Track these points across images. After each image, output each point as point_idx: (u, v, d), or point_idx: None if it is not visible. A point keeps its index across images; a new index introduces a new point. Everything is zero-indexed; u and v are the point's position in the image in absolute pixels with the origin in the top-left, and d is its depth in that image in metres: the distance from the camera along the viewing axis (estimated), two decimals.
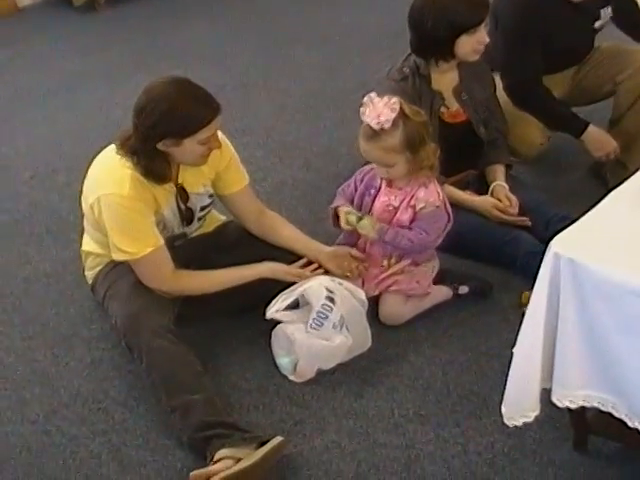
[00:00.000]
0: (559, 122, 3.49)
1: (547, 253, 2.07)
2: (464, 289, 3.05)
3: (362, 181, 2.94)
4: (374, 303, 2.94)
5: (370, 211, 2.91)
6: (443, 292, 3.04)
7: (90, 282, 3.00)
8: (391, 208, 2.89)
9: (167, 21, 5.77)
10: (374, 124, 2.70)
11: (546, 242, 2.86)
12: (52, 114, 4.65)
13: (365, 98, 2.74)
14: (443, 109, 3.15)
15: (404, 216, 2.87)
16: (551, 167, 3.77)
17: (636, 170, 2.39)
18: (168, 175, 2.76)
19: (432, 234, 2.87)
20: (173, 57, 5.16)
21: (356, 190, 2.96)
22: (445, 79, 3.16)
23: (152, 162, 2.69)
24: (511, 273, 3.05)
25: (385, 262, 2.95)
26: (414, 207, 2.86)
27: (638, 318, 1.97)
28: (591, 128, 3.40)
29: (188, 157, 2.73)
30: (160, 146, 2.66)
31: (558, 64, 3.49)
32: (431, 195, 2.85)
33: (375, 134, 2.73)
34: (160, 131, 2.63)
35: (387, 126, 2.70)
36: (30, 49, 5.51)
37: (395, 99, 2.72)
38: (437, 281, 3.04)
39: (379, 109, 2.69)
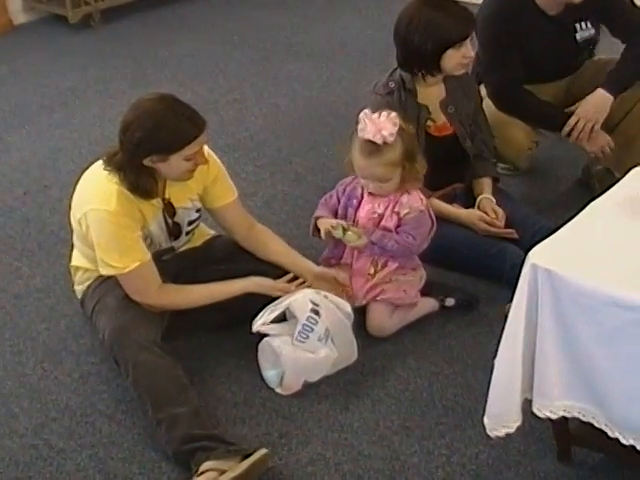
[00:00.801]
0: (546, 119, 3.51)
1: (525, 264, 2.09)
2: (450, 301, 3.06)
3: (344, 192, 2.97)
4: (361, 314, 2.96)
5: (355, 221, 2.93)
6: (430, 304, 3.06)
7: (79, 297, 3.02)
8: (375, 215, 2.91)
9: (161, 37, 5.82)
10: (377, 139, 2.72)
11: None
12: (46, 130, 4.67)
13: (361, 114, 2.76)
14: (429, 123, 3.18)
15: (389, 223, 2.89)
16: (539, 179, 3.80)
17: (617, 180, 2.42)
18: (154, 190, 2.78)
19: (417, 238, 2.89)
20: (167, 73, 5.20)
21: (339, 202, 2.98)
22: (431, 93, 3.19)
23: (138, 178, 2.72)
24: (498, 286, 3.07)
25: (372, 270, 2.96)
26: (398, 213, 2.88)
27: (616, 329, 1.98)
28: None
29: (174, 172, 2.76)
30: (146, 162, 2.69)
31: (544, 73, 3.51)
32: (415, 200, 2.89)
33: (376, 149, 2.75)
34: (146, 148, 2.66)
35: (390, 140, 2.73)
36: (25, 66, 5.54)
37: (394, 113, 2.75)
38: (424, 293, 3.06)
39: (381, 124, 2.72)
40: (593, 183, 3.62)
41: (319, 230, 2.95)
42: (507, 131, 3.50)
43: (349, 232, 2.85)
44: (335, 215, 2.97)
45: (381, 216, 2.90)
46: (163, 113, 2.64)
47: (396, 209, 2.89)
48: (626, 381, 2.02)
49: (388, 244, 2.86)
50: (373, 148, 2.75)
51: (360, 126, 2.75)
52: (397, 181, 2.83)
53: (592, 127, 3.36)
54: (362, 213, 2.92)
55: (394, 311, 2.97)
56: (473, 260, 3.11)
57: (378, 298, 2.95)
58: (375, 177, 2.83)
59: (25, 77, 5.38)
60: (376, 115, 2.73)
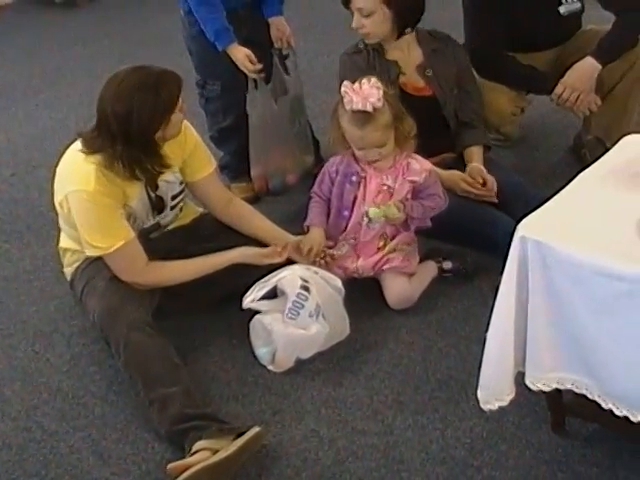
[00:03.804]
0: (529, 83, 3.49)
1: (514, 237, 2.07)
2: (448, 264, 3.07)
3: (337, 172, 2.95)
4: (355, 290, 2.92)
5: (362, 198, 2.91)
6: (431, 268, 3.07)
7: (69, 278, 3.00)
8: (386, 188, 2.90)
9: (147, 13, 5.78)
10: (368, 107, 2.73)
11: None
12: (34, 110, 4.64)
13: (342, 88, 2.76)
14: (403, 79, 3.16)
15: (404, 191, 2.90)
16: (531, 149, 3.78)
17: (607, 150, 2.40)
18: (166, 158, 2.76)
19: (441, 195, 2.94)
20: (154, 50, 5.15)
21: (332, 183, 2.96)
22: (401, 54, 3.18)
23: (153, 156, 2.72)
24: (490, 257, 3.04)
25: (381, 243, 2.96)
26: (413, 181, 2.90)
27: (606, 299, 1.96)
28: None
29: (174, 130, 2.75)
30: (158, 134, 2.69)
31: (531, 43, 3.48)
32: (424, 163, 2.92)
33: (369, 117, 2.76)
34: (158, 122, 2.66)
35: (379, 105, 2.74)
36: (11, 46, 5.50)
37: (374, 78, 2.76)
38: (421, 259, 3.07)
39: (365, 92, 2.73)
40: (584, 153, 3.60)
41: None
42: (489, 96, 3.48)
43: (391, 207, 2.86)
44: (329, 196, 2.97)
45: (391, 188, 2.89)
46: (149, 82, 2.63)
47: (409, 177, 2.89)
48: (618, 352, 2.00)
49: (427, 213, 2.93)
50: (365, 117, 2.75)
51: (346, 99, 2.74)
52: (392, 143, 2.84)
53: (578, 96, 3.33)
54: (371, 187, 2.91)
55: (409, 280, 2.97)
56: (466, 229, 3.08)
57: (385, 267, 2.94)
58: (373, 144, 2.82)
59: (11, 57, 5.34)
60: (357, 85, 2.73)
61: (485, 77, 3.48)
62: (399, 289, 2.95)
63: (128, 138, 2.64)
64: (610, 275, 1.92)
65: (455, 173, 3.18)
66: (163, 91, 2.63)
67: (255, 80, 3.31)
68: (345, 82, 2.75)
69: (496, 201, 3.13)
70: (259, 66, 3.27)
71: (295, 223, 3.11)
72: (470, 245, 3.12)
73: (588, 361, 2.08)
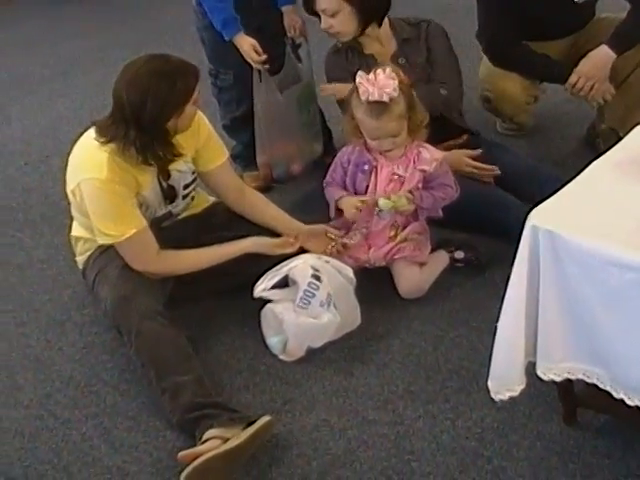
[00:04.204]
0: (543, 72, 3.46)
1: (526, 226, 2.06)
2: (460, 254, 3.06)
3: (349, 161, 2.94)
4: (368, 279, 2.92)
5: (375, 186, 2.91)
6: (443, 257, 3.06)
7: (81, 267, 3.00)
8: (397, 177, 2.90)
9: (160, 2, 5.76)
10: (384, 98, 2.72)
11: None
12: (47, 100, 4.65)
13: (357, 79, 2.75)
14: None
15: (414, 180, 2.89)
16: (544, 139, 3.77)
17: (621, 138, 2.38)
18: (176, 148, 2.76)
19: (453, 185, 2.93)
20: (167, 37, 5.15)
21: (345, 173, 2.96)
22: (379, 47, 3.20)
23: (165, 145, 2.72)
24: (503, 245, 3.02)
25: (392, 232, 2.95)
26: (424, 170, 2.89)
27: (619, 289, 1.94)
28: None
29: (187, 122, 2.75)
30: (170, 124, 2.69)
31: (545, 32, 3.45)
32: (434, 152, 2.91)
33: (385, 108, 2.76)
34: (170, 111, 2.65)
35: (395, 95, 2.74)
36: (25, 36, 5.51)
37: (389, 68, 2.76)
38: (433, 249, 3.06)
39: (381, 82, 2.72)
40: (598, 142, 3.58)
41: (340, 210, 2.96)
42: (502, 85, 3.48)
43: (402, 198, 2.85)
44: (344, 187, 2.96)
45: (402, 177, 2.89)
46: (165, 70, 2.63)
47: (420, 167, 2.89)
48: (630, 341, 1.98)
49: (437, 203, 2.92)
50: (382, 107, 2.75)
51: (361, 90, 2.73)
52: (406, 132, 2.84)
53: (592, 85, 3.30)
54: (382, 177, 2.91)
55: (420, 269, 2.96)
56: (477, 215, 3.06)
57: (396, 257, 2.94)
58: (388, 134, 2.82)
59: (25, 47, 5.35)
60: (372, 76, 2.72)
61: (499, 65, 3.46)
62: (410, 278, 2.94)
63: (140, 124, 2.63)
64: (622, 265, 1.91)
65: (456, 151, 3.20)
66: (179, 81, 2.63)
67: (259, 71, 3.32)
68: (360, 73, 2.75)
69: (498, 173, 3.16)
70: (264, 57, 3.28)
71: (304, 212, 3.10)
72: (482, 232, 3.11)
73: (599, 351, 2.07)
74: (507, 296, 2.14)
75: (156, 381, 2.57)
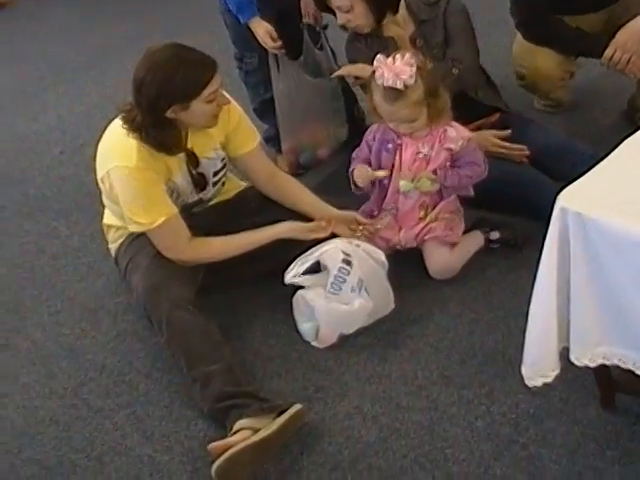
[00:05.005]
0: (576, 44, 3.34)
1: (555, 208, 1.99)
2: (495, 234, 3.00)
3: (374, 139, 2.90)
4: (403, 262, 2.89)
5: (400, 164, 2.86)
6: (477, 238, 3.00)
7: (113, 255, 3.00)
8: (422, 156, 2.85)
9: None
10: (398, 85, 2.67)
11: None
12: (83, 88, 4.65)
13: (376, 62, 2.70)
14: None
15: (440, 159, 2.84)
16: (582, 114, 3.67)
17: None
18: (180, 143, 2.74)
19: (481, 163, 2.87)
20: (200, 22, 5.10)
21: (370, 150, 2.91)
22: (397, 29, 3.15)
23: (162, 133, 2.67)
24: (539, 226, 2.95)
25: (422, 213, 2.91)
26: (450, 149, 2.84)
27: None
28: None
29: (199, 119, 2.71)
30: (169, 114, 2.64)
31: (579, 5, 3.34)
32: (462, 131, 2.85)
33: (399, 94, 2.71)
34: (165, 100, 2.61)
35: (410, 82, 2.68)
36: (58, 23, 5.52)
37: (408, 54, 2.68)
38: (468, 229, 3.01)
39: (397, 69, 2.67)
40: (638, 117, 3.48)
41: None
42: (536, 61, 3.39)
43: (423, 179, 2.81)
44: (369, 165, 2.91)
45: (427, 156, 2.84)
46: (172, 61, 2.59)
47: (445, 145, 2.84)
48: None
49: (462, 182, 2.87)
50: (396, 93, 2.70)
51: (377, 74, 2.69)
52: (425, 118, 2.79)
53: (629, 58, 3.20)
54: (406, 156, 2.86)
55: (451, 250, 2.92)
56: (510, 197, 2.99)
57: (426, 237, 2.90)
58: (403, 119, 2.78)
59: (59, 35, 5.36)
60: (390, 60, 2.68)
61: (533, 41, 3.37)
62: (440, 258, 2.90)
63: (140, 107, 2.62)
64: None
65: (484, 132, 3.14)
66: (178, 75, 2.57)
67: (277, 57, 3.28)
68: (379, 56, 2.71)
69: (527, 153, 3.09)
70: (279, 43, 3.25)
71: (329, 193, 3.06)
72: (516, 213, 3.04)
73: (635, 334, 2.00)
74: (537, 281, 2.09)
75: (187, 370, 2.56)
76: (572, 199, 1.96)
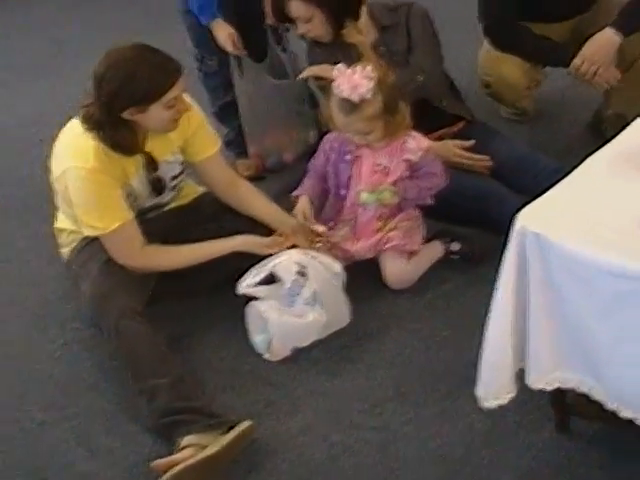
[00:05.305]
0: (545, 55, 3.31)
1: (513, 227, 1.94)
2: (455, 246, 2.95)
3: (332, 149, 2.84)
4: (359, 273, 2.82)
5: (358, 176, 2.81)
6: (436, 248, 2.95)
7: (65, 259, 2.91)
8: (381, 168, 2.80)
9: None
10: (354, 97, 2.61)
11: (537, 197, 2.74)
12: (43, 85, 4.56)
13: (335, 71, 2.64)
14: (364, 61, 3.01)
15: (399, 170, 2.79)
16: (548, 124, 3.64)
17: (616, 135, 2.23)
18: (136, 145, 2.66)
19: (440, 174, 2.83)
20: (163, 20, 5.00)
21: (327, 160, 2.85)
22: (360, 36, 3.08)
23: (118, 133, 2.60)
24: (500, 240, 2.90)
25: (380, 224, 2.86)
26: (409, 160, 2.78)
27: (611, 298, 1.83)
28: None
29: (157, 124, 2.63)
30: (125, 115, 2.57)
31: (548, 13, 3.30)
32: (421, 141, 2.80)
33: (355, 107, 2.64)
34: (122, 100, 2.53)
35: (367, 96, 2.62)
36: (19, 21, 5.43)
37: (369, 67, 2.62)
38: (429, 239, 2.96)
39: (356, 81, 2.61)
40: (604, 128, 3.42)
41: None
42: (501, 70, 3.34)
43: (385, 192, 2.76)
44: (325, 174, 2.85)
45: (387, 167, 2.78)
46: (136, 61, 2.51)
47: (405, 157, 2.78)
48: (624, 353, 1.87)
49: (422, 194, 2.82)
50: (351, 106, 2.64)
51: (335, 83, 2.62)
52: (381, 131, 2.73)
53: (597, 70, 3.15)
54: (365, 168, 2.80)
55: (408, 259, 2.86)
56: (470, 209, 2.94)
57: (385, 247, 2.84)
58: (357, 132, 2.73)
59: (19, 33, 5.26)
60: (350, 71, 2.61)
61: (500, 49, 3.32)
62: (397, 268, 2.84)
63: (98, 104, 2.55)
64: (614, 273, 1.78)
65: (446, 142, 3.08)
66: (139, 76, 2.49)
67: (239, 60, 3.22)
68: (339, 65, 2.64)
69: (490, 164, 3.04)
70: (240, 49, 3.19)
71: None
72: (477, 225, 2.99)
73: (591, 360, 1.95)
74: (494, 301, 2.03)
75: (133, 382, 2.49)
76: (531, 219, 1.90)
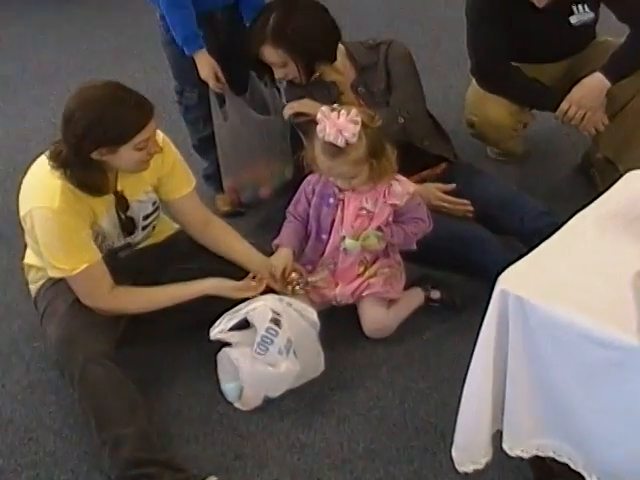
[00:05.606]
0: (533, 98, 3.24)
1: (495, 289, 1.85)
2: (436, 293, 2.87)
3: (314, 192, 2.76)
4: (335, 321, 2.73)
5: (340, 223, 2.73)
6: (417, 295, 2.88)
7: (33, 296, 2.81)
8: (365, 212, 2.71)
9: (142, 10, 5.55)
10: (339, 142, 2.52)
11: (523, 239, 2.67)
12: (23, 108, 4.45)
13: (319, 114, 2.55)
14: (343, 100, 2.99)
15: (384, 215, 2.71)
16: (535, 166, 3.57)
17: (610, 186, 2.15)
18: (105, 186, 2.56)
19: (426, 219, 2.76)
20: (151, 44, 4.95)
21: (309, 204, 2.77)
22: (338, 75, 3.05)
23: (87, 173, 2.50)
24: (482, 287, 2.81)
25: (361, 269, 2.77)
26: (395, 205, 2.70)
27: (593, 367, 1.75)
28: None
29: (127, 164, 2.54)
30: (95, 155, 2.47)
31: (539, 56, 3.24)
32: (407, 185, 2.72)
33: (340, 151, 2.56)
34: (92, 140, 2.43)
35: (353, 140, 2.53)
36: (9, 38, 5.34)
37: (354, 110, 2.54)
38: (410, 285, 2.88)
39: (341, 125, 2.52)
40: (593, 172, 3.38)
41: None
42: (487, 110, 3.26)
43: (370, 237, 2.67)
44: (307, 218, 2.78)
45: (371, 212, 2.70)
46: (106, 101, 2.42)
47: (390, 201, 2.70)
48: (605, 423, 1.79)
49: (408, 239, 2.74)
50: (336, 150, 2.55)
51: (319, 127, 2.53)
52: (366, 175, 2.65)
53: (584, 114, 3.09)
54: (349, 212, 2.72)
55: (388, 307, 2.78)
56: (453, 255, 2.86)
57: (364, 294, 2.76)
58: (341, 176, 2.65)
59: (5, 51, 5.18)
60: (335, 114, 2.52)
61: (487, 88, 3.25)
62: (376, 316, 2.76)
63: (66, 143, 2.46)
64: (599, 342, 1.70)
65: (427, 185, 3.01)
66: (109, 116, 2.40)
67: (218, 95, 3.16)
68: (323, 108, 2.55)
69: (471, 209, 2.97)
70: (221, 86, 3.13)
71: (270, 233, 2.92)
72: (459, 272, 2.92)
73: (572, 428, 1.87)
74: (473, 361, 1.95)
75: (97, 431, 2.39)
76: (514, 282, 1.82)
